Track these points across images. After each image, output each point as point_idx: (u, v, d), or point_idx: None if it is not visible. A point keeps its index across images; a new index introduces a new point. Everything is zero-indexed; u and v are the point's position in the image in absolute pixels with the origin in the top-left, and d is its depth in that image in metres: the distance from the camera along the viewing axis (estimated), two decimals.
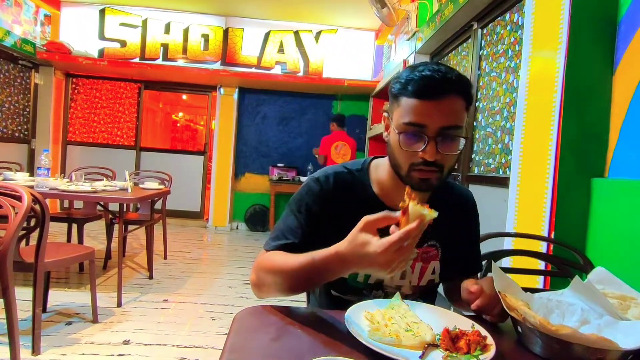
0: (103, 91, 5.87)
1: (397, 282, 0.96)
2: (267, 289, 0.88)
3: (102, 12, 5.54)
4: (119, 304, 2.63)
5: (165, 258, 3.92)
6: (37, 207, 1.81)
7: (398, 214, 0.70)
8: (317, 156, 5.44)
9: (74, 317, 2.41)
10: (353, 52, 5.80)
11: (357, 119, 6.04)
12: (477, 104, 2.80)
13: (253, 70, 5.68)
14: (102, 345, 2.10)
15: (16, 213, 1.69)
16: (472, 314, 0.83)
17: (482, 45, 2.79)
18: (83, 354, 2.00)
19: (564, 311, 0.75)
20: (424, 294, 1.01)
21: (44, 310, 2.41)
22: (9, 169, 3.55)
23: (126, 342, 2.16)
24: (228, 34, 5.69)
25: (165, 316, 2.56)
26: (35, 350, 1.91)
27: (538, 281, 1.58)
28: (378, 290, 0.95)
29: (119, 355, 2.02)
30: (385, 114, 0.92)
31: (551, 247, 1.53)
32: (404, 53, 4.10)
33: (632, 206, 1.36)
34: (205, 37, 5.65)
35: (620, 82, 1.51)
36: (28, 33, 5.04)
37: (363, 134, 6.03)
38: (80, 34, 5.50)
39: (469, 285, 0.83)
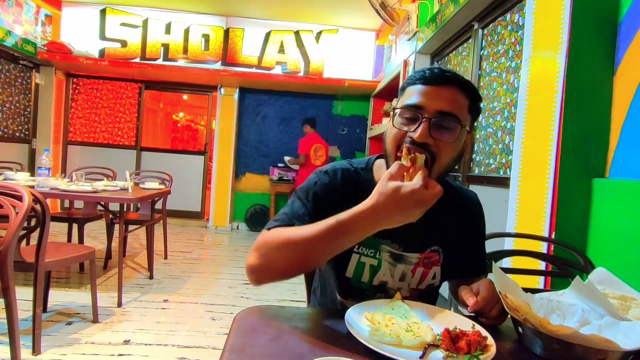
0: (104, 91, 5.88)
1: (397, 284, 0.95)
2: (271, 268, 0.81)
3: (103, 12, 5.54)
4: (120, 304, 2.63)
5: (166, 258, 3.93)
6: (37, 207, 1.81)
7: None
8: (289, 160, 5.43)
9: (75, 317, 2.41)
10: (353, 52, 5.80)
11: (357, 119, 6.04)
12: None
13: (253, 70, 5.68)
14: (102, 345, 2.10)
15: (17, 213, 1.70)
16: (473, 314, 0.83)
17: (483, 45, 2.79)
18: (83, 353, 2.00)
19: (565, 312, 0.75)
20: (424, 297, 1.00)
21: (45, 310, 2.41)
22: (10, 168, 3.56)
23: (126, 342, 2.16)
24: (228, 34, 5.70)
25: (165, 316, 2.56)
26: (36, 350, 1.91)
27: (539, 281, 1.57)
28: (381, 292, 0.95)
29: (120, 355, 2.02)
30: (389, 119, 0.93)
31: (552, 248, 1.53)
32: (404, 53, 4.10)
33: (632, 207, 1.36)
34: (206, 37, 5.66)
35: (621, 83, 1.51)
36: (29, 33, 5.04)
37: (363, 134, 6.03)
38: (81, 34, 5.51)
39: (466, 299, 0.81)
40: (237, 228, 5.99)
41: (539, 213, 1.62)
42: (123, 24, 5.56)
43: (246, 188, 6.01)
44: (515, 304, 0.72)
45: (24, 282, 2.73)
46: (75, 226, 3.40)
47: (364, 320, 0.73)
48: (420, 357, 0.63)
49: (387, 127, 0.88)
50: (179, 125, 9.62)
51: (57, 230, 4.41)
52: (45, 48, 5.12)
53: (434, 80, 0.82)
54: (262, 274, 0.82)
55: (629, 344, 0.62)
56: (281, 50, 5.71)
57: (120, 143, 5.90)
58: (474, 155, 2.82)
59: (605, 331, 0.67)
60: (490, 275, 0.91)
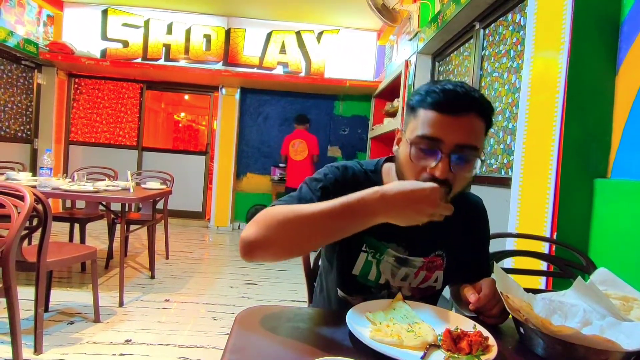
0: (105, 91, 5.89)
1: (398, 284, 0.96)
2: (269, 243, 0.75)
3: (105, 12, 5.55)
4: (121, 304, 2.63)
5: (167, 258, 3.93)
6: (39, 206, 1.82)
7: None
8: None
9: (76, 316, 2.42)
10: (355, 52, 5.80)
11: (359, 120, 6.04)
12: None
13: (255, 70, 5.68)
14: (103, 344, 2.10)
15: (19, 213, 1.70)
16: (474, 314, 0.83)
17: (484, 45, 2.78)
18: (85, 353, 2.00)
19: (566, 312, 0.75)
20: (425, 297, 1.00)
21: (46, 309, 2.41)
22: (12, 168, 3.57)
23: (128, 341, 2.16)
24: (230, 35, 5.70)
25: (166, 316, 2.57)
26: (38, 349, 1.91)
27: (540, 282, 1.57)
28: (385, 289, 0.96)
29: (121, 354, 2.02)
30: (398, 127, 0.90)
31: (553, 248, 1.52)
32: (405, 53, 4.09)
33: (634, 207, 1.35)
34: (207, 38, 5.66)
35: (622, 83, 1.51)
36: (31, 33, 5.06)
37: (365, 135, 6.03)
38: (82, 34, 5.52)
39: (467, 295, 0.82)
40: (239, 228, 5.99)
41: (541, 213, 1.62)
42: (125, 25, 5.57)
43: (247, 188, 6.02)
44: (516, 305, 0.72)
45: (25, 282, 2.74)
46: (77, 226, 3.40)
47: (365, 321, 0.73)
48: (422, 358, 0.63)
49: (401, 154, 0.83)
50: (180, 125, 9.63)
51: (58, 230, 4.42)
52: (47, 48, 5.13)
53: (451, 109, 0.76)
54: (258, 248, 0.75)
55: (631, 345, 0.62)
56: (282, 50, 5.72)
57: (122, 143, 5.91)
58: None
59: (607, 332, 0.67)
60: (492, 277, 0.91)
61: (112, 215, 3.38)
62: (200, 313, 2.67)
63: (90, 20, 5.55)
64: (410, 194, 0.68)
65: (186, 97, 8.13)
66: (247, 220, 5.91)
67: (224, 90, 5.79)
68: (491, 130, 2.56)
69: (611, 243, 1.45)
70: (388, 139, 4.96)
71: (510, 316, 0.76)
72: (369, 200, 0.70)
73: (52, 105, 5.47)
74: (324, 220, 0.72)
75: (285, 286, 3.40)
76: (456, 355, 0.64)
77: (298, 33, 5.72)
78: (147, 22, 5.60)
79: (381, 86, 5.17)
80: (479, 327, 0.71)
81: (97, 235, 4.67)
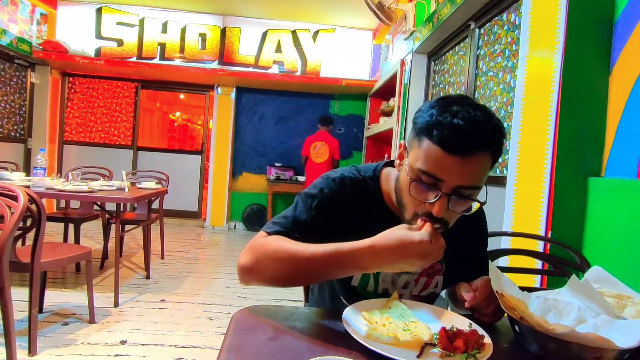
0: (100, 90, 5.85)
1: (400, 291, 0.95)
2: (262, 274, 0.80)
3: (99, 10, 5.51)
4: (116, 304, 2.62)
5: (163, 258, 3.92)
6: (33, 207, 1.80)
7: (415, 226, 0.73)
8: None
9: (71, 317, 2.40)
10: (351, 51, 5.80)
11: (354, 119, 6.05)
12: None
13: (250, 69, 5.67)
14: (99, 345, 2.09)
15: (12, 213, 1.69)
16: (469, 312, 0.83)
17: (480, 44, 2.79)
18: (80, 354, 1.99)
19: (561, 310, 0.75)
20: (424, 302, 1.01)
21: (41, 310, 2.39)
22: (5, 168, 3.53)
23: (123, 342, 2.15)
24: (225, 34, 5.68)
25: (162, 316, 2.56)
26: (32, 350, 1.90)
27: (535, 280, 1.58)
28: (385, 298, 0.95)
29: (116, 355, 2.01)
30: (402, 141, 0.86)
31: (548, 246, 1.53)
32: (401, 53, 4.10)
33: (628, 205, 1.36)
34: (203, 37, 5.64)
35: (616, 82, 1.52)
36: (24, 32, 5.01)
37: (360, 134, 6.04)
38: (76, 33, 5.48)
39: (463, 293, 0.82)
40: (235, 228, 5.98)
41: (535, 212, 1.63)
42: (119, 23, 5.54)
43: (243, 188, 6.00)
44: (511, 303, 0.72)
45: (19, 283, 2.72)
46: (71, 226, 3.38)
47: (361, 320, 0.73)
48: (418, 356, 0.64)
49: (401, 179, 0.81)
50: (175, 124, 9.58)
51: (53, 230, 4.39)
52: (41, 47, 5.09)
53: (458, 150, 0.70)
54: (251, 276, 0.82)
55: (625, 342, 0.62)
56: (278, 49, 5.71)
57: (117, 142, 5.87)
58: None
59: (601, 329, 0.67)
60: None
61: (107, 215, 3.36)
62: (196, 313, 2.66)
63: (84, 19, 5.51)
64: (398, 246, 0.70)
65: (181, 96, 8.08)
66: (243, 219, 5.91)
67: (219, 89, 5.77)
68: None
69: (605, 241, 1.46)
70: (384, 138, 4.97)
71: (505, 314, 0.77)
72: (359, 252, 0.72)
73: (45, 105, 5.42)
74: (313, 266, 0.75)
75: None
76: (452, 354, 0.64)
77: (294, 32, 5.71)
78: (141, 21, 5.57)
79: (377, 85, 5.18)
80: (475, 326, 0.71)
81: (91, 235, 4.65)
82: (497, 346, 0.68)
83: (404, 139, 0.87)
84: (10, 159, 4.46)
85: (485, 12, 2.68)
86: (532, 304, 0.76)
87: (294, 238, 0.83)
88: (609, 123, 1.54)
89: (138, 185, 3.40)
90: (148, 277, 3.27)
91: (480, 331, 0.68)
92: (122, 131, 5.88)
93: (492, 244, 1.39)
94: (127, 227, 3.44)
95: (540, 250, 1.54)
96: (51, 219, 3.18)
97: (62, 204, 5.35)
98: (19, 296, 2.37)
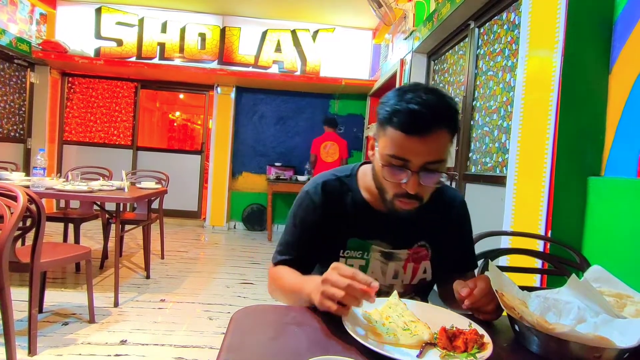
0: (99, 90, 5.85)
1: (390, 281, 0.99)
2: (277, 298, 1.00)
3: (98, 10, 5.51)
4: (116, 304, 2.62)
5: (163, 258, 3.91)
6: (32, 207, 1.80)
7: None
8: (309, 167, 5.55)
9: (71, 317, 2.40)
10: (350, 51, 5.79)
11: (354, 118, 6.04)
12: (474, 103, 2.81)
13: (250, 69, 5.67)
14: (98, 345, 2.09)
15: (12, 213, 1.69)
16: (469, 312, 0.83)
17: (479, 44, 2.79)
18: (80, 354, 1.99)
19: (561, 309, 0.75)
20: (418, 291, 1.04)
21: (40, 310, 2.39)
22: (5, 168, 3.53)
23: (123, 342, 2.15)
24: (225, 33, 5.68)
25: (162, 316, 2.56)
26: (32, 350, 1.90)
27: (535, 279, 1.58)
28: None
29: (116, 355, 2.01)
30: (371, 133, 0.95)
31: (548, 246, 1.53)
32: (401, 52, 4.10)
33: (628, 204, 1.36)
34: (202, 36, 5.64)
35: (616, 81, 1.52)
36: (24, 32, 5.01)
37: (360, 133, 6.04)
38: (76, 32, 5.47)
39: (459, 288, 0.83)
40: (234, 227, 5.98)
41: (535, 211, 1.63)
42: (119, 23, 5.53)
43: (243, 187, 6.00)
44: (511, 302, 0.72)
45: (19, 283, 2.72)
46: (71, 226, 3.38)
47: (361, 319, 0.73)
48: (418, 356, 0.64)
49: (376, 167, 0.89)
50: (175, 124, 9.57)
51: (52, 231, 4.39)
52: (40, 47, 5.09)
53: (416, 131, 0.79)
54: (274, 298, 1.02)
55: (625, 342, 0.62)
56: (278, 49, 5.70)
57: (117, 142, 5.87)
58: (470, 154, 2.83)
59: (601, 329, 0.67)
60: (486, 273, 0.92)
61: (107, 215, 3.36)
62: (196, 313, 2.66)
63: (84, 19, 5.50)
64: (311, 280, 0.83)
65: (181, 96, 8.08)
66: (243, 219, 5.91)
67: (219, 89, 5.77)
68: (486, 129, 2.57)
69: (605, 241, 1.46)
70: None
71: (505, 314, 0.77)
72: (302, 286, 0.85)
73: (45, 105, 5.42)
74: (290, 299, 0.92)
75: None
76: (452, 353, 0.64)
77: (293, 32, 5.70)
78: (141, 21, 5.57)
79: (377, 85, 5.18)
80: (475, 325, 0.71)
81: (91, 235, 4.65)
82: (497, 346, 0.68)
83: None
84: (9, 159, 4.45)
85: (485, 11, 2.68)
86: (532, 304, 0.77)
87: (293, 258, 0.99)
88: (609, 122, 1.54)
89: (138, 185, 3.39)
90: (148, 277, 3.27)
91: (480, 331, 0.68)
92: (121, 131, 5.87)
93: (492, 243, 1.39)
94: (127, 227, 3.44)
95: (540, 249, 1.54)
96: (51, 219, 3.18)
97: (62, 204, 5.34)
98: (18, 296, 2.37)
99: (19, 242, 2.72)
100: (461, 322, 0.73)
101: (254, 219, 5.89)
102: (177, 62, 5.60)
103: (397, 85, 4.09)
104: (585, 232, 1.54)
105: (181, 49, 5.62)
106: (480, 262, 1.27)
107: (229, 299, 2.98)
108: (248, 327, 0.71)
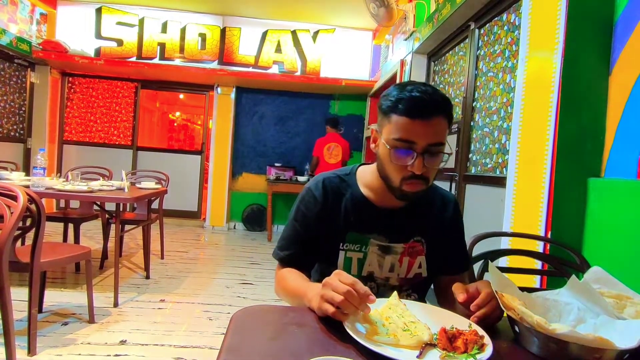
0: (99, 90, 5.85)
1: (385, 274, 1.03)
2: (282, 299, 1.04)
3: (99, 10, 5.51)
4: (116, 304, 2.62)
5: (162, 258, 3.91)
6: (32, 206, 1.80)
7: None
8: (309, 169, 5.56)
9: (70, 317, 2.40)
10: (350, 51, 5.79)
11: (354, 119, 6.05)
12: (474, 104, 2.81)
13: (250, 69, 5.67)
14: (98, 345, 2.09)
15: (12, 213, 1.69)
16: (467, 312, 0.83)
17: (480, 45, 2.80)
18: (79, 354, 1.99)
19: (561, 310, 0.75)
20: (414, 287, 1.06)
21: (40, 310, 2.39)
22: (5, 168, 3.53)
23: (123, 342, 2.15)
24: (225, 33, 5.68)
25: (162, 316, 2.56)
26: (31, 350, 1.90)
27: (535, 280, 1.58)
28: (370, 281, 1.03)
29: (116, 355, 2.01)
30: (373, 126, 0.99)
31: (548, 247, 1.53)
32: (401, 53, 4.10)
33: (628, 206, 1.36)
34: (203, 37, 5.64)
35: (616, 82, 1.52)
36: (24, 32, 5.01)
37: (360, 134, 6.04)
38: (76, 32, 5.47)
39: (457, 294, 0.82)
40: (234, 228, 5.98)
41: (535, 212, 1.63)
42: (119, 23, 5.53)
43: (243, 188, 6.00)
44: (511, 303, 0.72)
45: (19, 283, 2.72)
46: (71, 226, 3.38)
47: (361, 320, 0.73)
48: (418, 357, 0.64)
49: (382, 154, 0.95)
50: (175, 124, 9.58)
51: (52, 230, 4.39)
52: (41, 47, 5.09)
53: (420, 114, 0.87)
54: (280, 298, 1.06)
55: (625, 343, 0.62)
56: (278, 49, 5.70)
57: (117, 142, 5.87)
58: (470, 155, 2.83)
59: (600, 330, 0.67)
60: (485, 275, 0.92)
61: (107, 215, 3.36)
62: (196, 313, 2.66)
63: (84, 19, 5.50)
64: (314, 287, 0.85)
65: (181, 96, 8.08)
66: (243, 220, 5.91)
67: (219, 89, 5.77)
68: (486, 129, 2.58)
69: (605, 242, 1.46)
70: None
71: (505, 315, 0.77)
72: (305, 295, 0.87)
73: (45, 105, 5.42)
74: (294, 300, 0.95)
75: None
76: (452, 354, 0.64)
77: (294, 32, 5.71)
78: (141, 21, 5.57)
79: (377, 85, 5.18)
80: (474, 326, 0.71)
81: (91, 235, 4.65)
82: (497, 346, 0.68)
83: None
84: (9, 158, 4.45)
85: (485, 12, 2.68)
86: (531, 305, 0.76)
87: (294, 253, 1.04)
88: (609, 123, 1.54)
89: (138, 185, 3.39)
90: (148, 277, 3.27)
91: (480, 331, 0.68)
92: (121, 131, 5.87)
93: (492, 244, 1.39)
94: (127, 227, 3.43)
95: (540, 250, 1.54)
96: (51, 218, 3.18)
97: (62, 203, 5.34)
98: (18, 296, 2.36)
99: (19, 242, 2.72)
100: (461, 323, 0.73)
101: (253, 219, 5.89)
102: (178, 62, 5.60)
103: None
104: (585, 234, 1.54)
105: (181, 49, 5.62)
106: (480, 263, 1.27)
107: (228, 299, 2.98)
108: (248, 328, 0.71)
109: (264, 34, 5.69)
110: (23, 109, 5.30)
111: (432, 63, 3.76)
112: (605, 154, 1.54)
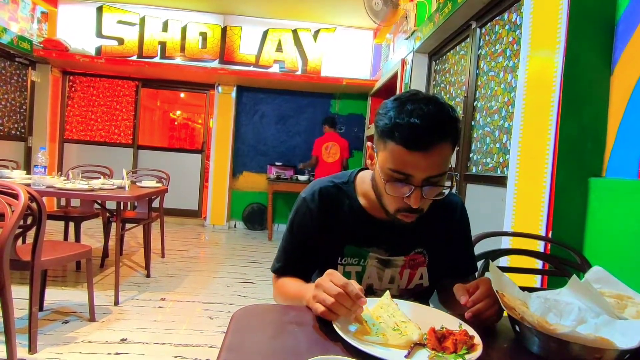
0: (100, 89, 5.85)
1: (385, 286, 0.99)
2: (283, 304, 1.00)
3: (100, 9, 5.51)
4: (116, 303, 2.62)
5: (163, 257, 3.92)
6: (33, 205, 1.80)
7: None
8: (302, 166, 5.61)
9: (71, 315, 2.41)
10: (351, 51, 5.79)
11: (355, 118, 6.04)
12: (475, 103, 2.81)
13: (251, 68, 5.66)
14: (99, 343, 2.09)
15: (13, 211, 1.69)
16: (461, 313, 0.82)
17: (481, 44, 2.79)
18: (80, 352, 1.99)
19: (561, 310, 0.75)
20: (416, 296, 1.03)
21: (41, 308, 2.40)
22: (6, 167, 3.54)
23: (123, 340, 2.16)
24: (226, 32, 5.68)
25: (162, 315, 2.56)
26: (32, 348, 1.90)
27: (536, 280, 1.58)
28: (370, 294, 0.98)
29: (116, 353, 2.01)
30: (369, 143, 0.93)
31: (549, 247, 1.53)
32: (402, 52, 4.10)
33: (629, 206, 1.36)
34: (204, 35, 5.64)
35: (618, 82, 1.52)
36: (25, 30, 5.01)
37: (361, 133, 6.03)
38: (77, 31, 5.47)
39: (459, 294, 0.82)
40: (235, 227, 5.98)
41: (536, 212, 1.62)
42: (120, 22, 5.53)
43: (244, 187, 6.00)
44: (512, 303, 0.72)
45: (20, 281, 2.72)
46: (71, 224, 3.38)
47: (351, 319, 0.73)
48: (406, 356, 0.63)
49: (377, 180, 0.88)
50: (176, 123, 9.57)
51: (53, 229, 4.39)
52: (42, 45, 5.09)
53: (420, 145, 0.77)
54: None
55: (626, 343, 0.62)
56: (279, 48, 5.70)
57: (117, 141, 5.88)
58: (471, 154, 2.83)
59: (601, 330, 0.67)
60: (486, 275, 0.92)
61: (108, 214, 3.36)
62: (196, 312, 2.66)
63: (85, 18, 5.50)
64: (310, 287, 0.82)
65: (182, 95, 8.08)
66: (243, 218, 5.91)
67: (220, 88, 5.77)
68: (487, 129, 2.57)
69: (606, 242, 1.46)
70: None
71: (505, 314, 0.77)
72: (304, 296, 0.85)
73: (46, 103, 5.42)
74: (294, 301, 0.91)
75: None
76: (441, 354, 0.64)
77: (294, 31, 5.70)
78: (142, 20, 5.57)
79: (378, 85, 5.18)
80: (465, 326, 0.71)
81: (92, 233, 4.65)
82: (497, 346, 0.68)
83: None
84: (10, 157, 4.45)
85: (486, 11, 2.67)
86: (532, 304, 0.76)
87: (290, 265, 1.01)
88: (610, 123, 1.53)
89: (138, 184, 3.40)
90: (148, 275, 3.27)
91: (471, 332, 0.68)
92: (122, 130, 5.88)
93: (493, 244, 1.39)
94: (128, 225, 3.44)
95: (541, 250, 1.54)
96: (51, 217, 3.18)
97: (63, 202, 5.35)
98: (19, 294, 2.37)
99: (20, 240, 2.72)
100: (451, 323, 0.73)
101: (254, 218, 5.90)
102: (178, 61, 5.60)
103: (398, 86, 4.10)
104: (586, 233, 1.54)
105: (182, 48, 5.62)
106: (480, 263, 1.27)
107: (229, 298, 2.98)
108: (248, 326, 0.71)
109: (265, 33, 5.69)
110: (24, 107, 5.31)
111: (433, 62, 3.75)
112: (607, 154, 1.54)
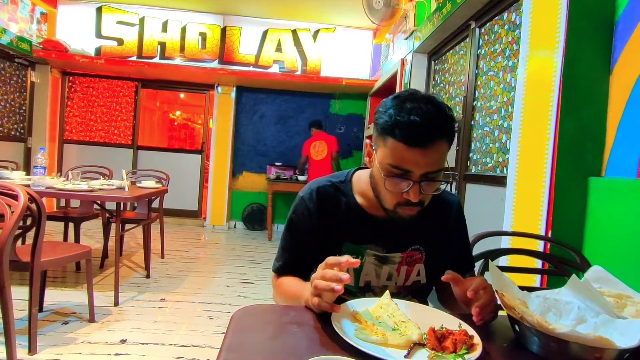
0: (100, 89, 5.85)
1: (383, 283, 1.00)
2: (282, 304, 1.01)
3: (99, 10, 5.51)
4: (116, 303, 2.62)
5: (163, 257, 3.92)
6: (33, 206, 1.80)
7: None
8: (297, 169, 5.63)
9: (71, 316, 2.40)
10: (351, 51, 5.79)
11: (354, 118, 6.04)
12: (474, 103, 2.81)
13: (251, 69, 5.66)
14: (99, 344, 2.09)
15: (12, 212, 1.69)
16: (467, 313, 0.82)
17: (480, 44, 2.79)
18: (80, 353, 1.99)
19: (561, 310, 0.75)
20: (414, 293, 1.04)
21: (41, 309, 2.40)
22: (5, 167, 3.54)
23: (123, 341, 2.15)
24: (226, 33, 5.68)
25: (162, 315, 2.56)
26: (32, 349, 1.90)
27: (535, 280, 1.58)
28: (368, 292, 1.00)
29: (116, 354, 2.01)
30: (367, 140, 0.95)
31: (548, 246, 1.53)
32: (401, 52, 4.10)
33: (628, 205, 1.36)
34: (203, 36, 5.64)
35: (617, 81, 1.52)
36: (24, 31, 5.01)
37: (361, 133, 6.03)
38: (77, 32, 5.47)
39: (446, 276, 0.82)
40: (235, 227, 5.98)
41: (536, 211, 1.62)
42: (119, 22, 5.53)
43: (243, 187, 6.00)
44: (511, 303, 0.72)
45: (19, 282, 2.72)
46: (71, 225, 3.38)
47: (351, 319, 0.73)
48: (405, 356, 0.63)
49: (376, 176, 0.90)
50: (175, 123, 9.57)
51: (53, 229, 4.39)
52: (41, 46, 5.09)
53: (420, 142, 0.80)
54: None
55: (625, 342, 0.62)
56: (278, 48, 5.70)
57: (117, 142, 5.87)
58: (470, 154, 2.83)
59: (601, 329, 0.67)
60: (486, 275, 0.92)
61: (107, 215, 3.36)
62: (196, 312, 2.66)
63: (85, 18, 5.50)
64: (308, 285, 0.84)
65: (182, 95, 8.08)
66: (243, 219, 5.91)
67: (219, 88, 5.77)
68: (487, 129, 2.58)
69: (605, 241, 1.46)
70: None
71: (505, 314, 0.77)
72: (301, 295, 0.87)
73: (46, 104, 5.42)
74: (293, 300, 0.93)
75: None
76: (440, 354, 0.64)
77: (294, 31, 5.70)
78: (142, 20, 5.56)
79: (377, 85, 5.18)
80: (464, 326, 0.71)
81: (91, 234, 4.65)
82: (497, 346, 0.68)
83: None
84: (10, 158, 4.45)
85: (485, 11, 2.68)
86: (532, 304, 0.76)
87: (290, 265, 1.02)
88: (610, 123, 1.53)
89: (138, 185, 3.39)
90: (148, 276, 3.27)
91: (470, 331, 0.68)
92: (122, 130, 5.87)
93: (493, 243, 1.39)
94: (127, 226, 3.43)
95: (541, 249, 1.54)
96: (51, 218, 3.18)
97: (62, 203, 5.36)
98: (19, 295, 2.37)
99: (20, 241, 2.72)
100: (451, 323, 0.73)
101: (254, 218, 5.89)
102: (178, 61, 5.60)
103: (398, 85, 4.10)
104: (585, 233, 1.54)
105: (182, 49, 5.62)
106: (480, 262, 1.27)
107: (229, 299, 2.98)
108: (248, 327, 0.71)
109: (265, 33, 5.69)
110: (23, 108, 5.30)
111: (433, 62, 3.75)
112: (606, 153, 1.54)
